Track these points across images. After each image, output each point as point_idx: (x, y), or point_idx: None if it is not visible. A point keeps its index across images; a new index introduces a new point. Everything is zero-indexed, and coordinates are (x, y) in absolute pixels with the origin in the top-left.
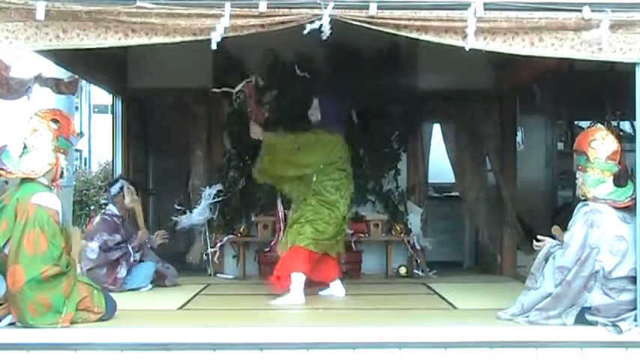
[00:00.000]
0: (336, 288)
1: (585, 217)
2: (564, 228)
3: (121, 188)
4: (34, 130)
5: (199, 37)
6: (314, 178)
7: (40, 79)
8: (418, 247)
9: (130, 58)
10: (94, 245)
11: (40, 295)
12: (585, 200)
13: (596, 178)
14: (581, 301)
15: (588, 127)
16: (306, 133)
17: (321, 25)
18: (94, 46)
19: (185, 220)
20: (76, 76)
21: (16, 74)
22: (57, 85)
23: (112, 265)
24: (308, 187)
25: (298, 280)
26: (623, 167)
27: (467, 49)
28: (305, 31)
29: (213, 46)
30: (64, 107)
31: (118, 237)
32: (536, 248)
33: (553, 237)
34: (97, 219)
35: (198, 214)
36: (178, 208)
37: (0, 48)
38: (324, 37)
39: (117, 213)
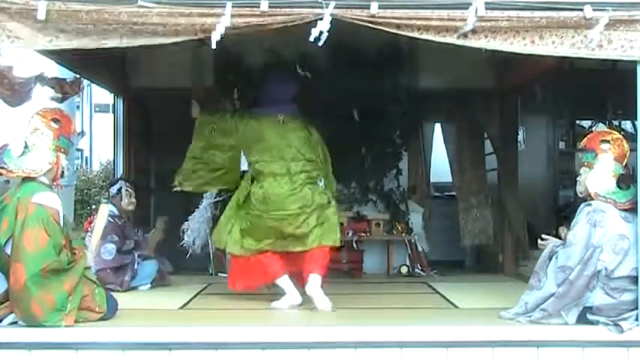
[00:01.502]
0: (317, 295)
1: (588, 216)
2: (567, 227)
3: (119, 190)
4: (35, 130)
5: (200, 37)
6: (247, 173)
7: (42, 79)
8: (420, 249)
9: (131, 57)
10: (111, 247)
11: (42, 292)
12: (586, 200)
13: (600, 176)
14: (584, 301)
15: (590, 127)
16: (226, 116)
17: (321, 32)
18: (95, 47)
19: (189, 237)
20: (78, 76)
21: (19, 74)
22: (60, 85)
23: (120, 268)
24: (243, 182)
25: (283, 282)
26: (627, 172)
27: (456, 42)
28: (310, 38)
29: (213, 46)
30: (64, 106)
31: (132, 243)
32: (540, 247)
33: (557, 236)
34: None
35: (199, 215)
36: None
37: (1, 47)
38: (318, 42)
39: (117, 214)
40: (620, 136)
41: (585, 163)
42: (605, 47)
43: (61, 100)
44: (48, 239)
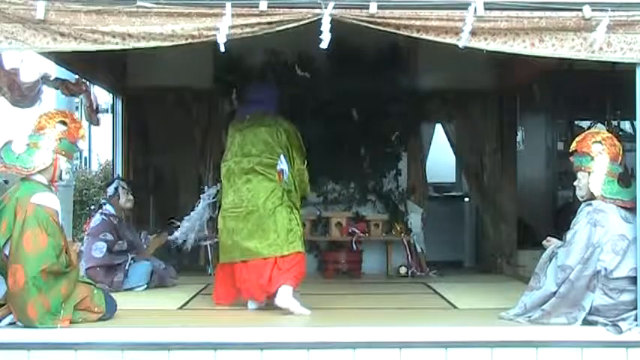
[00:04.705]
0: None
1: (589, 216)
2: (566, 228)
3: (116, 189)
4: (39, 129)
5: (199, 40)
6: None
7: (46, 80)
8: (419, 249)
9: (130, 57)
10: (101, 245)
11: (40, 295)
12: (587, 201)
13: (603, 178)
14: (587, 303)
15: (589, 127)
16: None
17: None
18: (93, 50)
19: (182, 233)
20: (77, 76)
21: (25, 78)
22: (65, 86)
23: (111, 267)
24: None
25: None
26: (625, 169)
27: (460, 45)
28: (322, 45)
29: (222, 49)
30: (64, 107)
31: (125, 244)
32: (545, 246)
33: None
34: (97, 217)
35: (197, 215)
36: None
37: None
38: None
39: (113, 213)
40: (610, 135)
41: (582, 168)
42: (605, 50)
43: (92, 122)
44: (48, 240)
